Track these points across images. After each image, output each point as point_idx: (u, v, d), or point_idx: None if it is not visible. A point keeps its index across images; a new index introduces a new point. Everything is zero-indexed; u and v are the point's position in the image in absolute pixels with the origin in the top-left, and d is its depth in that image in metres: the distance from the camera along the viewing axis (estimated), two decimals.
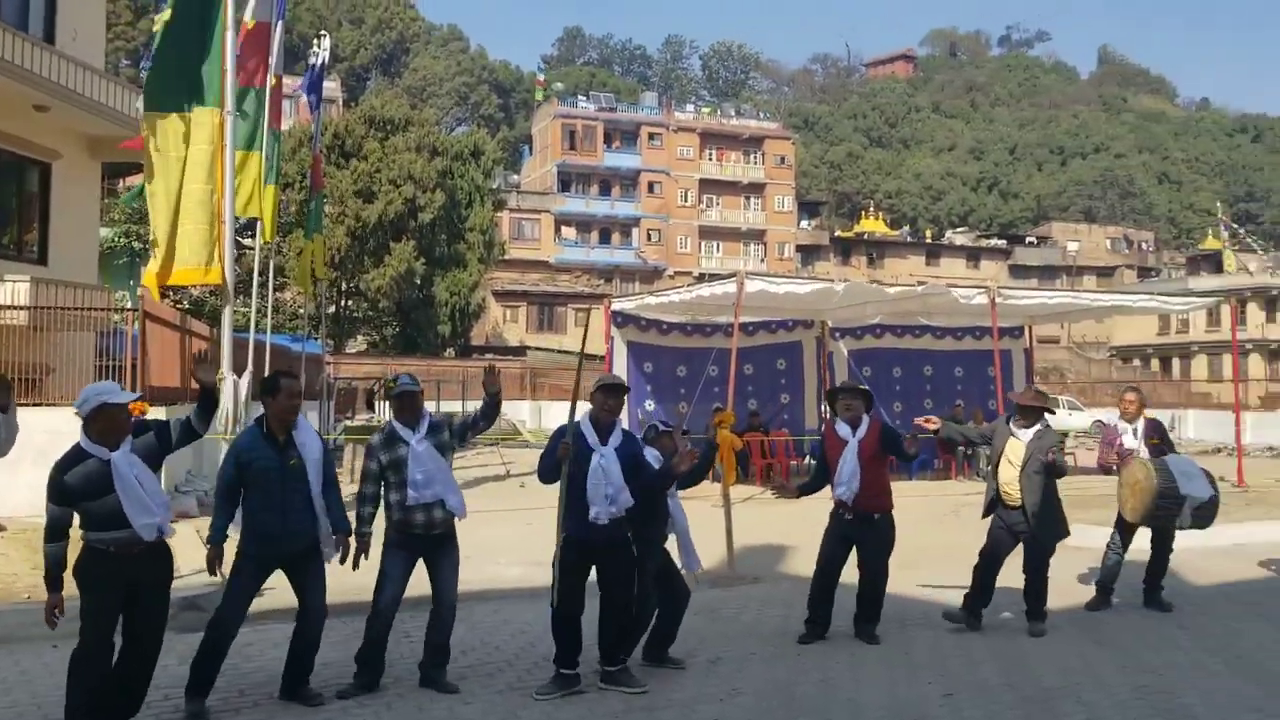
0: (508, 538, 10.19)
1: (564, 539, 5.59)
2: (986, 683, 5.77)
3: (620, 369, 18.08)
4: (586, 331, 7.07)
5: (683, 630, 6.17)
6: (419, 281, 40.81)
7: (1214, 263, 66.74)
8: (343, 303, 41.60)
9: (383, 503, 5.65)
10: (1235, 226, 74.04)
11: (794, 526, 10.10)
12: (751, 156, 70.45)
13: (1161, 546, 7.84)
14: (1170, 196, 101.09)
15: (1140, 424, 7.99)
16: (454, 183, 43.12)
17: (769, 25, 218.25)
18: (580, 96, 72.28)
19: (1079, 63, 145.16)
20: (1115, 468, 7.90)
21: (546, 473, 5.79)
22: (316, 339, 25.55)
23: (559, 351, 51.22)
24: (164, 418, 5.43)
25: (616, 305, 18.71)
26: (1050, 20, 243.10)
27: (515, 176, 72.16)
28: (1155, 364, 63.77)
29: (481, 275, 44.82)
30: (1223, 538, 10.29)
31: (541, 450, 5.93)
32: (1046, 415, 7.30)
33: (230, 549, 5.26)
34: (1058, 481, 7.14)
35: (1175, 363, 62.31)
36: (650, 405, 17.84)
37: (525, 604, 7.53)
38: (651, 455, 6.02)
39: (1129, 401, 8.14)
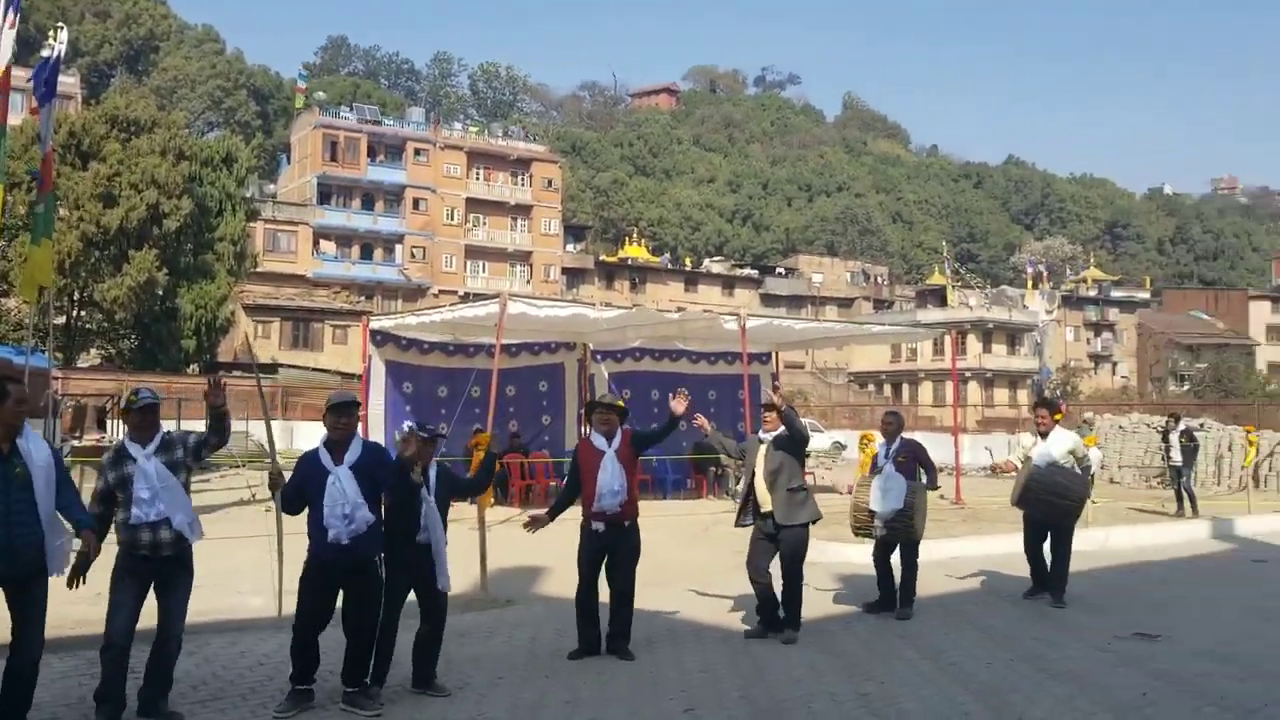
0: (251, 564, 9.70)
1: (308, 559, 5.62)
2: (725, 697, 6.04)
3: (378, 389, 17.70)
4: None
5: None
6: (161, 293, 38.24)
7: (939, 297, 72.76)
8: (75, 313, 38.39)
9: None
10: (957, 265, 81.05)
11: (548, 548, 10.18)
12: (519, 178, 70.63)
13: (909, 558, 8.56)
14: (903, 235, 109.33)
15: (896, 443, 8.70)
16: (203, 190, 40.80)
17: (539, 50, 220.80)
18: (344, 108, 70.23)
19: (825, 106, 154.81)
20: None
21: (288, 504, 5.77)
22: (43, 351, 23.46)
23: (315, 370, 49.31)
24: None
25: (375, 324, 18.30)
26: (801, 65, 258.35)
27: (272, 186, 69.10)
28: (888, 389, 68.70)
29: (231, 288, 42.54)
30: (940, 551, 11.26)
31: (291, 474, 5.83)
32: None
33: None
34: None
35: (905, 388, 67.36)
36: (407, 426, 17.50)
37: (267, 634, 7.21)
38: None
39: (886, 423, 9.01)
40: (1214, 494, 20.36)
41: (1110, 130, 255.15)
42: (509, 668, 6.66)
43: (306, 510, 5.66)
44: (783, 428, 7.60)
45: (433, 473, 6.16)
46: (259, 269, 51.26)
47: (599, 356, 19.94)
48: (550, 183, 71.90)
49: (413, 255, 65.47)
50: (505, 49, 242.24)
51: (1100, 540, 12.86)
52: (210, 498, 16.43)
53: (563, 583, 9.17)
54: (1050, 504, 8.89)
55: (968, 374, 62.03)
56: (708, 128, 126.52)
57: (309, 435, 27.21)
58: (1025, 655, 7.09)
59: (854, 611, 8.62)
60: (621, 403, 7.55)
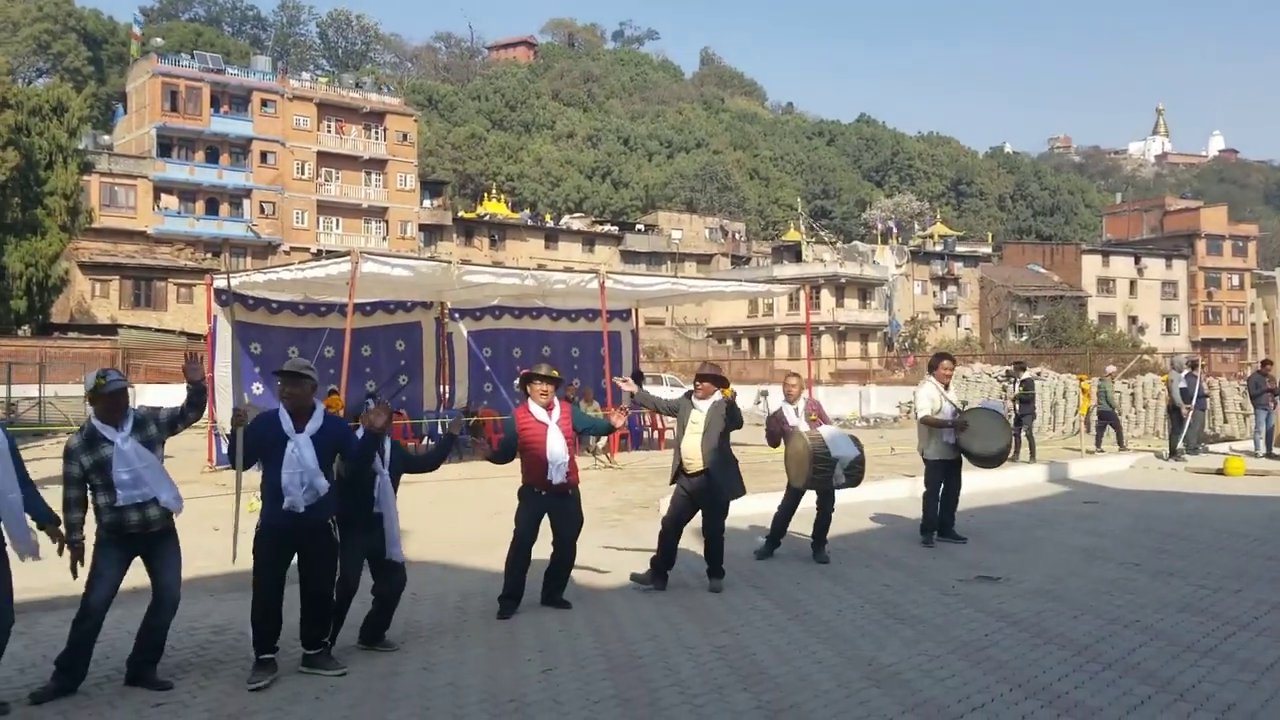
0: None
1: (260, 528, 5.63)
2: (584, 655, 6.03)
3: (224, 350, 16.93)
4: None
5: (286, 627, 5.90)
6: None
7: (795, 253, 74.37)
8: None
9: (92, 506, 5.38)
10: (811, 221, 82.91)
11: (420, 510, 10.00)
12: (373, 131, 68.60)
13: (824, 506, 8.90)
14: (760, 191, 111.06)
15: (801, 403, 9.02)
16: (30, 141, 38.24)
17: None
18: (184, 55, 66.63)
19: (684, 63, 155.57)
20: (782, 441, 8.96)
21: (247, 456, 5.87)
22: None
23: (158, 330, 47.09)
24: None
25: (219, 282, 17.46)
26: (659, 20, 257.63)
27: (107, 137, 65.14)
28: (746, 344, 70.03)
29: (64, 245, 40.19)
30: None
31: None
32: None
33: None
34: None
35: (762, 342, 68.81)
36: (258, 389, 16.87)
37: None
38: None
39: (791, 385, 9.15)
40: (1049, 439, 21.47)
41: (955, 91, 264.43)
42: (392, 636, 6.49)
43: (260, 473, 5.65)
44: (718, 395, 7.80)
45: (387, 445, 6.23)
46: (95, 225, 48.60)
47: (457, 315, 19.60)
48: (405, 136, 70.11)
49: (262, 211, 62.99)
50: None
51: None
52: (49, 465, 15.48)
53: (432, 547, 9.01)
54: (1000, 447, 9.62)
55: (821, 328, 63.75)
56: (566, 82, 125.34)
57: (153, 399, 25.96)
58: (874, 601, 7.32)
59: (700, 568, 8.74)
60: (557, 372, 7.52)
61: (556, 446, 7.03)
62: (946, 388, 9.70)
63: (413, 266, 16.75)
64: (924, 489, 9.76)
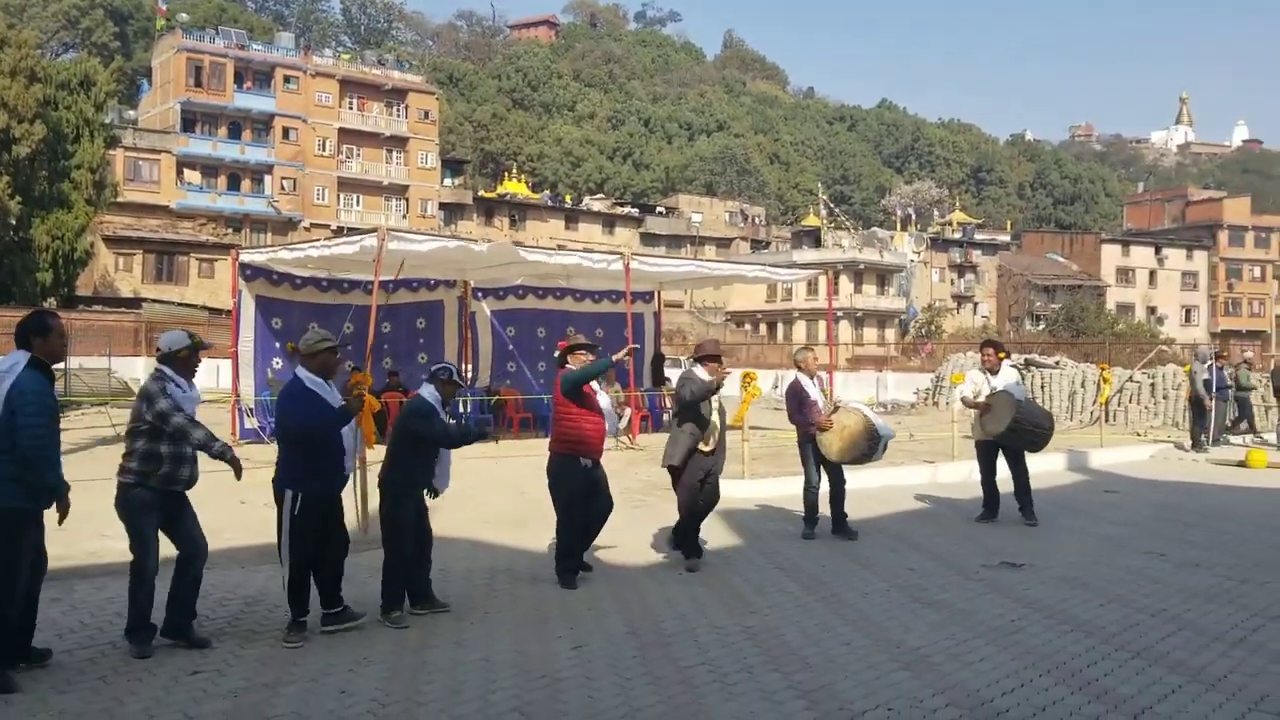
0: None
1: (304, 501, 5.78)
2: (612, 632, 6.09)
3: (248, 325, 17.07)
4: None
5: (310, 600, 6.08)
6: (14, 222, 36.07)
7: (814, 238, 74.14)
8: None
9: (144, 457, 5.58)
10: (832, 206, 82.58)
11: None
12: (394, 109, 68.59)
13: (836, 486, 9.09)
14: (780, 176, 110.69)
15: (818, 378, 9.31)
16: (58, 114, 38.39)
17: None
18: (208, 30, 66.68)
19: (706, 45, 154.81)
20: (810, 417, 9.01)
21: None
22: None
23: (180, 304, 47.35)
24: None
25: (245, 257, 17.57)
26: (681, 2, 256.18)
27: (132, 112, 65.40)
28: (764, 328, 69.90)
29: (90, 218, 40.39)
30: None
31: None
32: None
33: None
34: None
35: (780, 327, 68.65)
36: (278, 363, 16.99)
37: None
38: (429, 393, 6.46)
39: (809, 358, 9.34)
40: (1067, 429, 21.40)
41: (977, 78, 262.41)
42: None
43: (302, 449, 5.84)
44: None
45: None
46: (120, 199, 48.82)
47: (480, 294, 19.65)
48: (427, 114, 70.08)
49: (283, 187, 63.16)
50: None
51: (966, 473, 13.39)
52: (74, 435, 15.67)
53: (444, 523, 9.08)
54: (1032, 435, 9.71)
55: (839, 313, 63.58)
56: (588, 63, 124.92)
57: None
58: (900, 585, 7.34)
59: (734, 546, 8.79)
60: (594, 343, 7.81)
61: (609, 414, 7.33)
62: (994, 373, 9.94)
63: (465, 245, 16.88)
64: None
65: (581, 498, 7.27)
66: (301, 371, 5.99)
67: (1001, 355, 10.15)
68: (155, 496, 5.58)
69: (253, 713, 4.75)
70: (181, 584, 5.72)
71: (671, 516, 8.31)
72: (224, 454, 5.65)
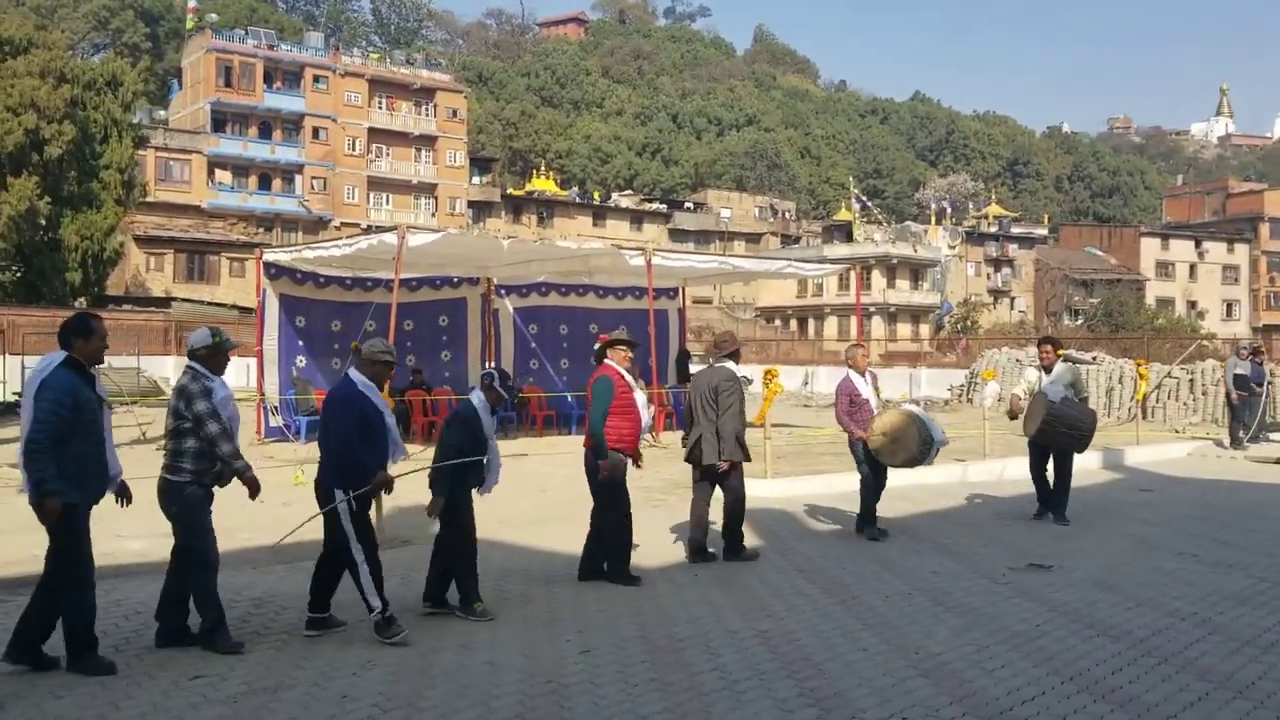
0: (136, 506, 9.26)
1: (358, 498, 5.79)
2: (623, 636, 5.94)
3: (272, 323, 17.10)
4: None
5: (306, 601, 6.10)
6: (44, 222, 36.47)
7: (845, 232, 73.62)
8: None
9: (189, 454, 5.64)
10: (864, 200, 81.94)
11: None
12: (423, 108, 68.83)
13: (877, 483, 8.95)
14: (811, 170, 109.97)
15: (868, 376, 9.06)
16: (87, 115, 38.79)
17: None
18: (238, 30, 67.20)
19: (736, 39, 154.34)
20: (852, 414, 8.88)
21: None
22: None
23: (210, 304, 47.74)
24: None
25: (269, 256, 17.61)
26: None
27: (162, 113, 66.06)
28: (794, 324, 69.49)
29: (119, 218, 40.78)
30: (831, 486, 11.35)
31: None
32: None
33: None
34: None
35: (811, 323, 68.20)
36: (302, 361, 17.01)
37: (146, 580, 6.89)
38: (478, 400, 6.44)
39: (859, 356, 9.10)
40: (1104, 425, 20.99)
41: (1012, 70, 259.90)
42: (400, 610, 6.44)
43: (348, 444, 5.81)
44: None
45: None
46: (150, 199, 49.31)
47: (503, 291, 19.57)
48: (455, 113, 70.26)
49: (313, 186, 63.56)
50: None
51: (997, 471, 13.19)
52: None
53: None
54: (1068, 436, 9.49)
55: (872, 309, 63.06)
56: (617, 59, 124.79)
57: None
58: (922, 588, 7.14)
59: (754, 547, 8.62)
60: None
61: (648, 410, 7.30)
62: (1048, 371, 9.77)
63: (500, 242, 16.84)
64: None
65: (628, 494, 7.29)
66: (355, 374, 5.95)
67: (1060, 352, 10.00)
68: (207, 493, 5.74)
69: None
70: (182, 584, 5.70)
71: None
72: (243, 473, 5.68)
